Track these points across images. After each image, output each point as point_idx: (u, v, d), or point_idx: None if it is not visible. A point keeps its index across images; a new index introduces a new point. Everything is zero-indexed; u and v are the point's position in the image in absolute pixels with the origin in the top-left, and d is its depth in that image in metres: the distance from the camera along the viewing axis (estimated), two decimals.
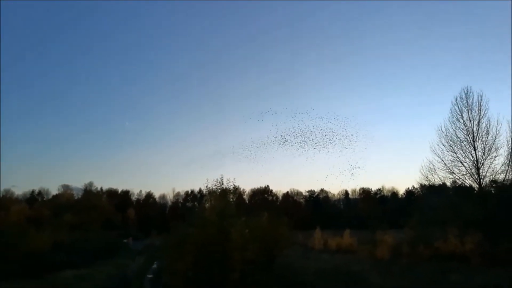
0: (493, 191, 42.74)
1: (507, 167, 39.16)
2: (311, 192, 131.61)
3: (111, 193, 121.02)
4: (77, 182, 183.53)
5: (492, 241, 37.01)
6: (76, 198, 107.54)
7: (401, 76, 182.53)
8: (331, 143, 62.62)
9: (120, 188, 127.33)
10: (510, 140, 39.07)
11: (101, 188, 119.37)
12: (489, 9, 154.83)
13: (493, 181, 41.66)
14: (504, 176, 39.63)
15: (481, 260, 36.34)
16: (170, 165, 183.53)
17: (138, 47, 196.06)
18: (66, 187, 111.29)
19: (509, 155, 39.08)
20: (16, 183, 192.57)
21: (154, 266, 43.61)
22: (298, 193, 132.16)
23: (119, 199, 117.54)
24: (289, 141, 61.54)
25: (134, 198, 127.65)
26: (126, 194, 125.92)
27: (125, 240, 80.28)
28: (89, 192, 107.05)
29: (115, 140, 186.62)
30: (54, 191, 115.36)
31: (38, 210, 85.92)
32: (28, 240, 44.72)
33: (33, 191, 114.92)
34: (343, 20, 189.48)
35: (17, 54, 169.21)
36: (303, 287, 29.83)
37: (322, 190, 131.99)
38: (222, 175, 32.31)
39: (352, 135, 69.95)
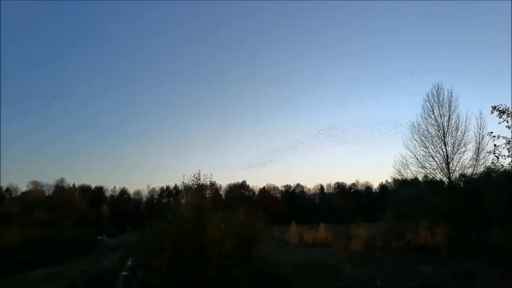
0: (461, 185, 44.26)
1: (474, 162, 40.64)
2: (287, 187, 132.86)
3: (84, 189, 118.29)
4: (48, 178, 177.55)
5: (461, 232, 38.46)
6: (47, 194, 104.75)
7: (372, 72, 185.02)
8: None
9: (93, 184, 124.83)
10: (478, 135, 40.55)
11: (74, 184, 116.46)
12: (463, 5, 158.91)
13: (462, 175, 43.15)
14: (472, 170, 41.16)
15: (450, 251, 37.71)
16: (145, 161, 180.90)
17: (114, 38, 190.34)
18: (35, 184, 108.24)
19: (476, 150, 40.56)
20: None
21: (129, 263, 42.93)
22: (275, 188, 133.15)
23: (93, 195, 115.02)
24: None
25: (108, 194, 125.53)
26: (99, 190, 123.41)
27: (99, 237, 78.69)
28: (60, 188, 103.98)
29: (88, 135, 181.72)
30: (23, 187, 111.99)
31: (7, 207, 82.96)
32: None
33: (0, 188, 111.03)
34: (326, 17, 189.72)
35: None
36: (279, 280, 30.16)
37: (298, 185, 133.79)
38: (199, 170, 32.00)
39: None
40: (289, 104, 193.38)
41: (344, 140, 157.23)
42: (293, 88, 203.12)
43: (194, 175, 31.57)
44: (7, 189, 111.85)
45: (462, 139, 41.28)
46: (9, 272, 36.08)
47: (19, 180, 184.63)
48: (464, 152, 41.22)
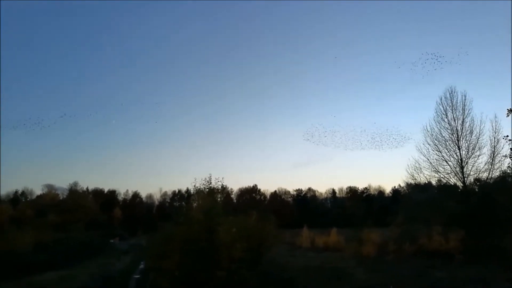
0: (476, 189, 43.51)
1: (490, 166, 39.98)
2: (299, 191, 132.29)
3: (97, 192, 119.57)
4: (62, 182, 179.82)
5: (475, 238, 37.69)
6: (61, 198, 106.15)
7: (385, 74, 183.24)
8: None
9: (106, 187, 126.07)
10: (493, 139, 39.88)
11: (87, 188, 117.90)
12: (471, 6, 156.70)
13: (477, 180, 42.47)
14: (487, 174, 40.47)
15: (464, 256, 36.96)
16: (158, 165, 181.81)
17: (128, 42, 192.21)
18: (50, 187, 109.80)
19: (491, 154, 39.88)
20: None
21: (142, 266, 43.08)
22: (286, 192, 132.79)
23: (105, 199, 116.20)
24: None
25: (120, 198, 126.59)
26: (112, 193, 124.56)
27: (112, 240, 79.41)
28: (74, 192, 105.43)
29: (101, 139, 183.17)
30: (38, 191, 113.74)
31: (21, 211, 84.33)
32: (9, 240, 43.69)
33: (16, 191, 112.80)
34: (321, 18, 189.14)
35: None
36: (289, 284, 29.97)
37: (309, 189, 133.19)
38: (210, 174, 32.07)
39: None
40: (297, 107, 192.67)
41: (356, 144, 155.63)
42: (301, 90, 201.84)
43: (206, 178, 31.70)
44: (23, 193, 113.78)
45: (477, 142, 40.80)
46: (22, 275, 36.51)
47: (35, 183, 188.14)
48: (478, 156, 40.75)
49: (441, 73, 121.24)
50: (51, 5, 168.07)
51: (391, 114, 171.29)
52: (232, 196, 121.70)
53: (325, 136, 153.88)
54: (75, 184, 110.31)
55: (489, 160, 39.98)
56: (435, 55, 54.76)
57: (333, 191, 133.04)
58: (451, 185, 43.21)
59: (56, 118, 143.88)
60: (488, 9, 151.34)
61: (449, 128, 42.24)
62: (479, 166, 40.66)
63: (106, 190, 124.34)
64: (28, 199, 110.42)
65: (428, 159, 43.26)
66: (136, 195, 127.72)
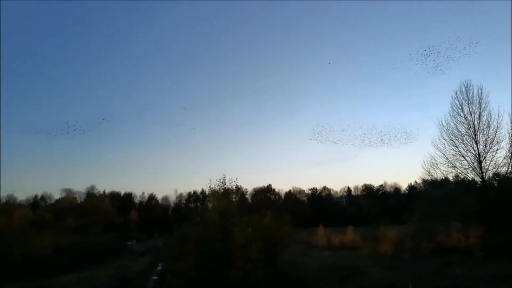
0: (495, 184, 42.58)
1: (509, 160, 39.02)
2: (314, 190, 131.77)
3: (114, 195, 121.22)
4: (79, 186, 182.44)
5: (494, 234, 36.88)
6: (78, 201, 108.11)
7: (398, 70, 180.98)
8: None
9: (122, 190, 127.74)
10: None
11: (104, 191, 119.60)
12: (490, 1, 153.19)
13: (496, 174, 41.53)
14: (506, 169, 39.51)
15: (483, 253, 36.24)
16: (173, 167, 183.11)
17: (142, 47, 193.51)
18: (68, 191, 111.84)
19: (510, 148, 38.95)
20: (17, 188, 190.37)
21: (159, 267, 43.43)
22: (301, 191, 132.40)
23: (122, 202, 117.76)
24: None
25: (136, 200, 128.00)
26: (128, 196, 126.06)
27: (129, 242, 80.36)
28: (91, 196, 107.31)
29: (117, 142, 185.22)
30: (56, 195, 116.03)
31: (41, 215, 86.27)
32: (29, 243, 44.62)
33: (36, 196, 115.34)
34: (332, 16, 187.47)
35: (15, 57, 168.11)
36: (304, 284, 29.85)
37: (324, 187, 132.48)
38: (224, 175, 32.19)
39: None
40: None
41: (371, 141, 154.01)
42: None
43: (220, 179, 31.82)
44: (42, 197, 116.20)
45: (495, 136, 39.79)
46: (43, 277, 37.25)
47: (53, 188, 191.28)
48: (497, 150, 39.68)
49: (454, 66, 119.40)
50: (57, 5, 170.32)
51: (397, 112, 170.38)
52: (247, 196, 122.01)
53: (333, 136, 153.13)
54: (92, 187, 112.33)
55: (508, 154, 39.00)
56: (445, 48, 53.64)
57: (348, 189, 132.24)
58: (469, 180, 42.25)
59: (95, 124, 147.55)
60: (493, 6, 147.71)
61: (466, 122, 41.35)
62: (498, 161, 39.67)
63: (122, 193, 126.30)
64: (47, 203, 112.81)
65: (444, 154, 42.40)
66: (152, 197, 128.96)
